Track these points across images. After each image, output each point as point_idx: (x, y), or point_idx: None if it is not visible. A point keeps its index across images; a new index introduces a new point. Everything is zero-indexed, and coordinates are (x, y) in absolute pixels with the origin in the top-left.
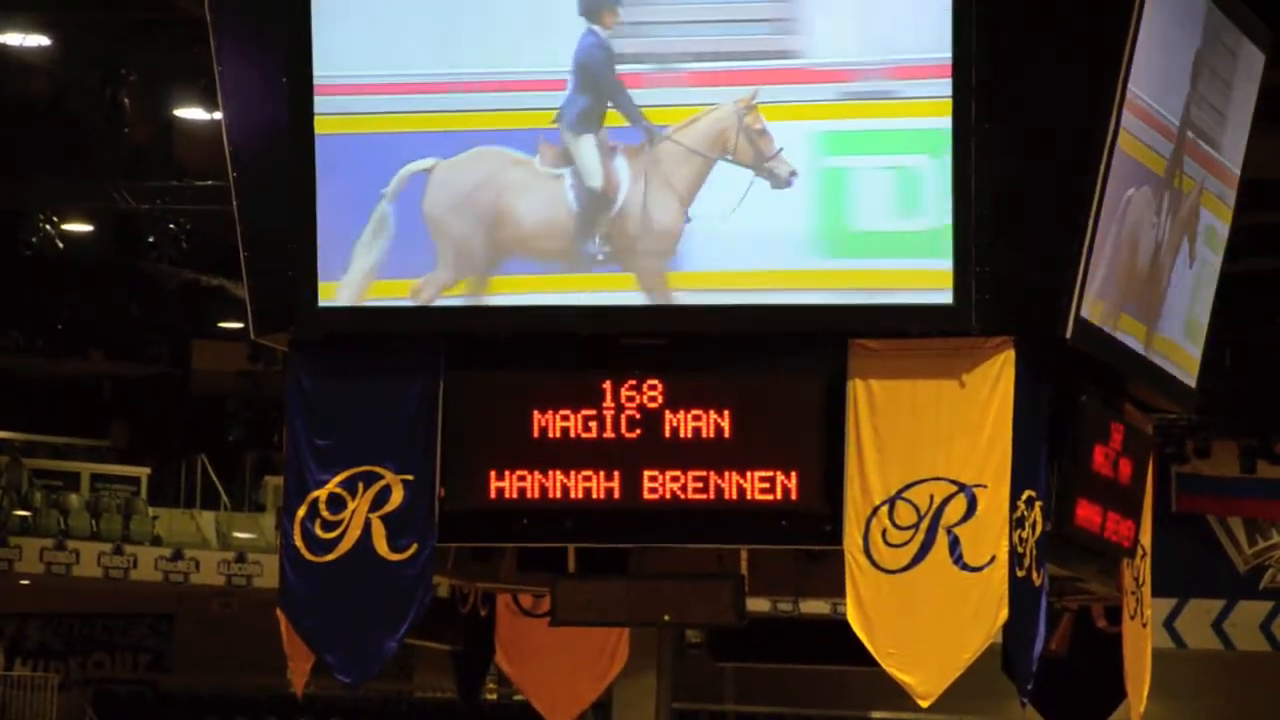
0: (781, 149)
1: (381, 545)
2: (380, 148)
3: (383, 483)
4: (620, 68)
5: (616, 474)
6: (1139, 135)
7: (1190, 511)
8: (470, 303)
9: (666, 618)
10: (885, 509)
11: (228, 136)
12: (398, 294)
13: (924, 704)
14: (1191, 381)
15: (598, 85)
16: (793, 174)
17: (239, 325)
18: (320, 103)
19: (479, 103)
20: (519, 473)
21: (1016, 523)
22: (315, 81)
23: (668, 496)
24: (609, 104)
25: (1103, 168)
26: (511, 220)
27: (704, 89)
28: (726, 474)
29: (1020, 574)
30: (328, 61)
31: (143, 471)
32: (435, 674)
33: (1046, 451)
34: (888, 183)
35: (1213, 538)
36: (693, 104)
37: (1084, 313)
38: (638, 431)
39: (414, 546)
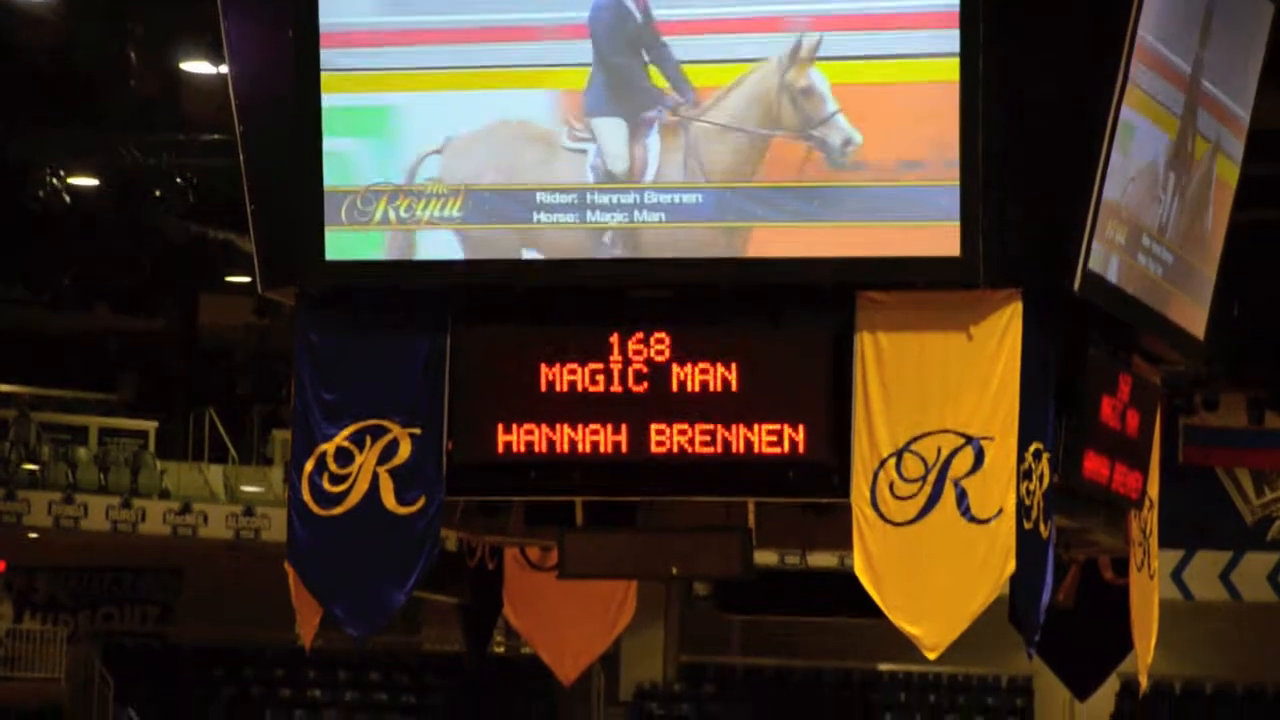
0: (836, 112)
1: (389, 498)
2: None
3: (390, 436)
4: (659, 13)
5: (624, 427)
6: (1150, 89)
7: (1198, 463)
8: (478, 256)
9: (674, 570)
10: (892, 461)
11: (234, 90)
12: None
13: (931, 655)
14: (1199, 333)
15: (617, 52)
16: (848, 143)
17: (246, 279)
18: (327, 57)
19: (498, 56)
20: (526, 426)
21: (1024, 475)
22: (322, 30)
23: (675, 450)
24: (640, 70)
25: (1111, 118)
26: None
27: (753, 36)
28: (734, 427)
29: (1028, 526)
30: (335, 7)
31: (150, 425)
32: (443, 627)
33: (1054, 403)
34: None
35: (1220, 489)
36: (741, 58)
37: (1091, 264)
38: (645, 385)
39: (422, 500)
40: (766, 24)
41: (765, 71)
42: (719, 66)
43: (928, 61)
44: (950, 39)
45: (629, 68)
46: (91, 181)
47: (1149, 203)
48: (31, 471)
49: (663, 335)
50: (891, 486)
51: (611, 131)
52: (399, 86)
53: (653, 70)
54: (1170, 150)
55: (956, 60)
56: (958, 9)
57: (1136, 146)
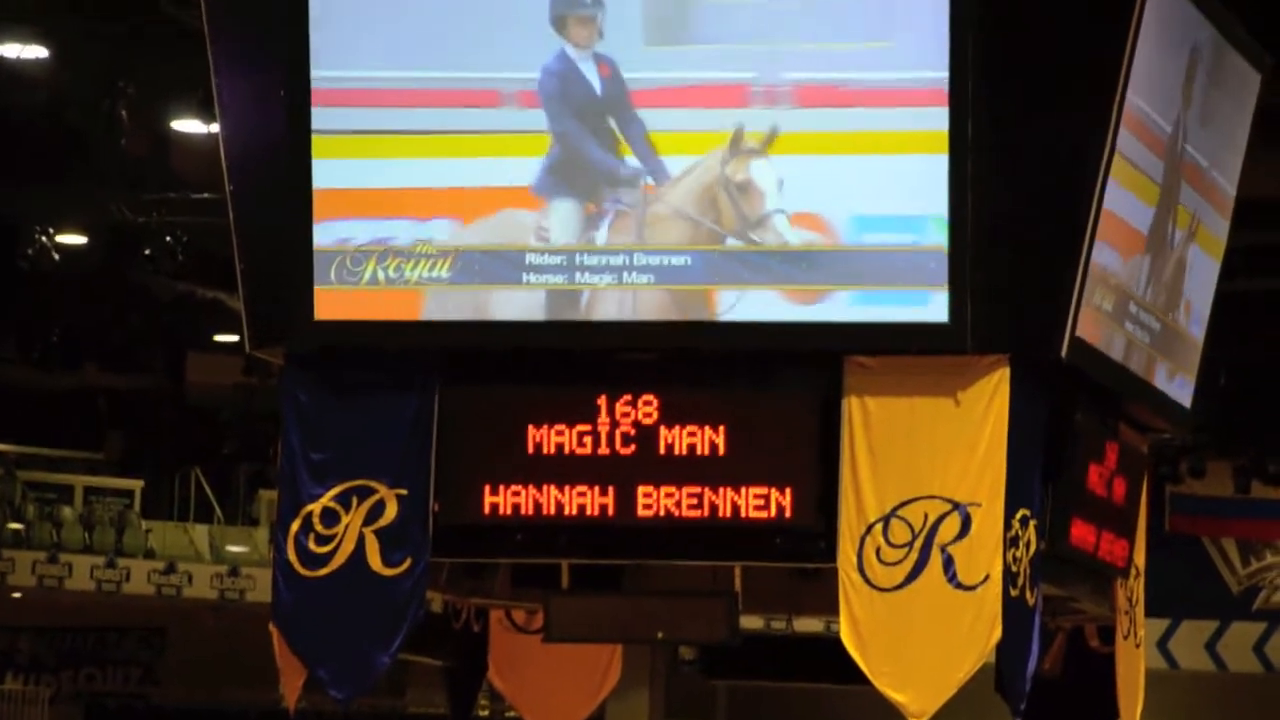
0: (774, 213)
1: (375, 560)
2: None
3: (377, 497)
4: (631, 76)
5: (611, 490)
6: (1133, 156)
7: (1184, 532)
8: (467, 318)
9: (660, 635)
10: (879, 527)
11: (225, 149)
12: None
13: None
14: (1187, 401)
15: (568, 122)
16: (786, 249)
17: (234, 338)
18: (318, 116)
19: (488, 121)
20: (513, 488)
21: (1010, 542)
22: (313, 86)
23: (662, 513)
24: (594, 144)
25: (1099, 187)
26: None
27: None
28: (721, 490)
29: (1014, 593)
30: (327, 62)
31: (136, 484)
32: (428, 689)
33: (1041, 470)
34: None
35: (1206, 558)
36: (715, 129)
37: (1079, 332)
38: (632, 447)
39: (408, 561)
40: (739, 95)
41: (709, 162)
42: (691, 136)
43: (914, 134)
44: (935, 114)
45: (580, 141)
46: (80, 239)
47: (1136, 270)
48: (16, 531)
49: (651, 398)
50: (878, 552)
51: (564, 214)
52: (387, 153)
53: (618, 141)
54: (1153, 220)
55: (944, 133)
56: (946, 80)
57: (1124, 214)
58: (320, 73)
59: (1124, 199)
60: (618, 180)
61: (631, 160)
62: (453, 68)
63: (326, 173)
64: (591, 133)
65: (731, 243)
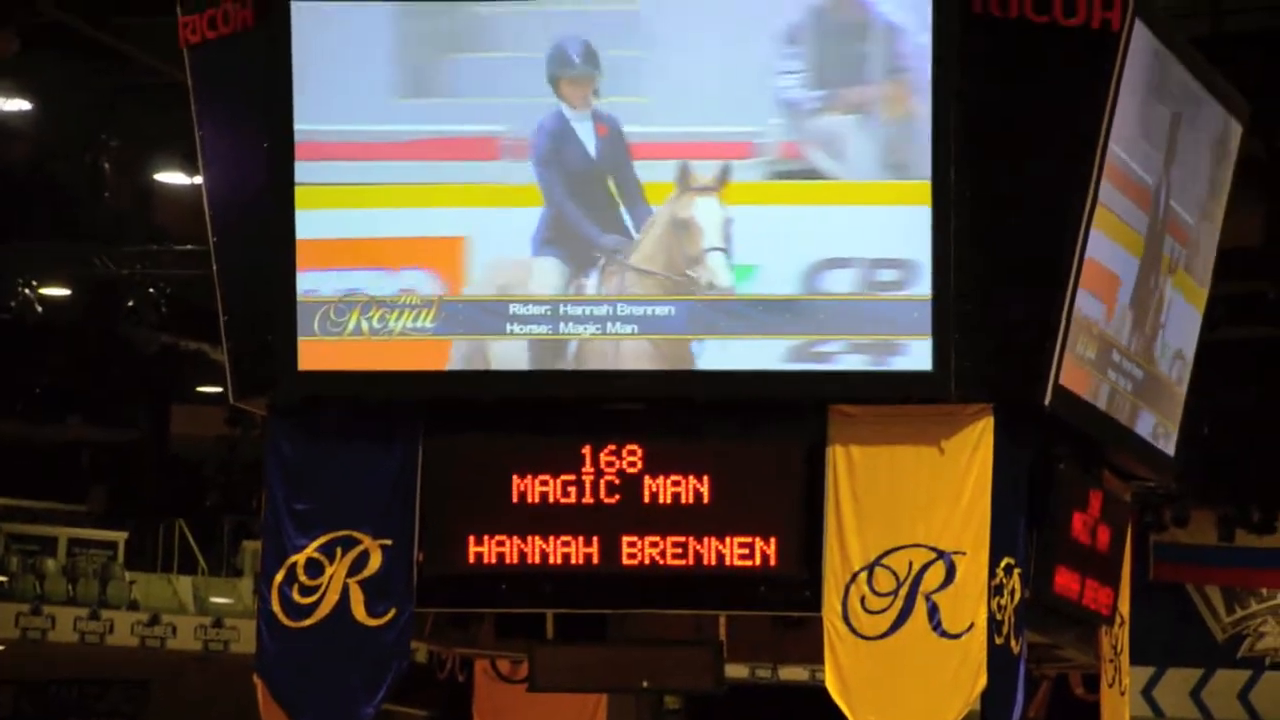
0: (710, 250)
1: (359, 610)
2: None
3: (361, 548)
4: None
5: (595, 539)
6: (1117, 209)
7: (1168, 580)
8: (450, 368)
9: (645, 684)
10: (864, 575)
11: (208, 201)
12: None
13: None
14: (1170, 449)
15: (558, 184)
16: (711, 286)
17: (218, 390)
18: (301, 170)
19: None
20: (498, 538)
21: (995, 590)
22: (296, 139)
23: (646, 562)
24: (582, 210)
25: (1081, 235)
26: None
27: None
28: (705, 540)
29: (999, 641)
30: (310, 115)
31: (120, 536)
32: None
33: (1025, 519)
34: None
35: (1191, 606)
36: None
37: (1062, 380)
38: (617, 497)
39: (392, 612)
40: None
41: (664, 206)
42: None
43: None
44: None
45: (566, 204)
46: (63, 292)
47: (1119, 319)
48: None
49: (635, 447)
50: (863, 600)
51: (548, 273)
52: (373, 202)
53: (609, 204)
54: (1138, 270)
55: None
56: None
57: (1108, 264)
58: (304, 126)
59: (1108, 249)
60: (601, 247)
61: (612, 234)
62: (445, 121)
63: (328, 224)
64: (581, 196)
65: (695, 288)
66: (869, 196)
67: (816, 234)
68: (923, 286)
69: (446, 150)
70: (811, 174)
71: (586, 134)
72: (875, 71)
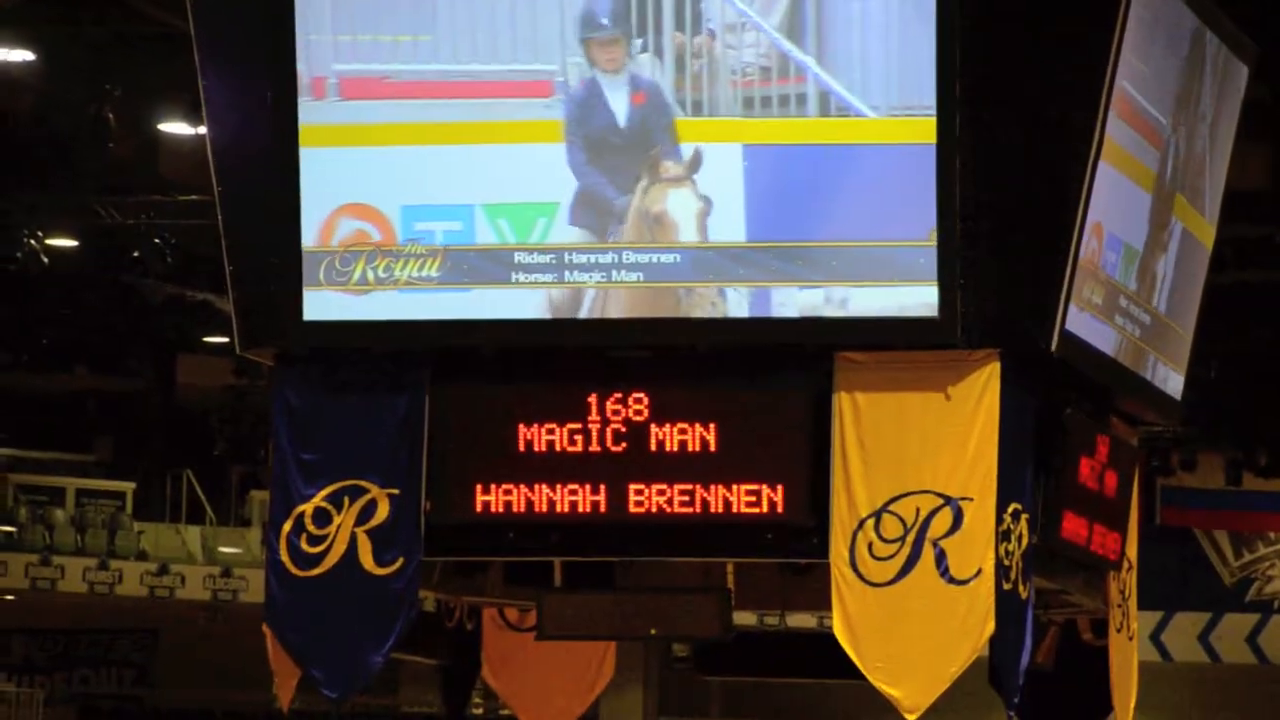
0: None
1: (367, 559)
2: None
3: (368, 497)
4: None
5: (602, 487)
6: (1127, 145)
7: (1176, 525)
8: (456, 316)
9: (653, 632)
10: (871, 522)
11: (212, 151)
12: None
13: (911, 717)
14: (1177, 394)
15: (580, 153)
16: (776, 245)
17: (224, 340)
18: (305, 109)
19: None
20: (505, 486)
21: (1002, 536)
22: (300, 79)
23: (654, 510)
24: (605, 182)
25: (1088, 180)
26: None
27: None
28: (712, 487)
29: (1006, 587)
30: (316, 57)
31: (128, 486)
32: (421, 688)
33: (1032, 464)
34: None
35: (1199, 551)
36: None
37: (1069, 325)
38: (623, 445)
39: (400, 560)
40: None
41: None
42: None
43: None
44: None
45: (589, 176)
46: (70, 242)
47: (1125, 264)
48: (8, 533)
49: (641, 395)
50: (870, 547)
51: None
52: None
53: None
54: (1149, 209)
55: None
56: (934, 69)
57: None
58: (306, 67)
59: (1119, 185)
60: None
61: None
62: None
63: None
64: (603, 168)
65: (716, 238)
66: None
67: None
68: (928, 232)
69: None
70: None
71: (619, 101)
72: None
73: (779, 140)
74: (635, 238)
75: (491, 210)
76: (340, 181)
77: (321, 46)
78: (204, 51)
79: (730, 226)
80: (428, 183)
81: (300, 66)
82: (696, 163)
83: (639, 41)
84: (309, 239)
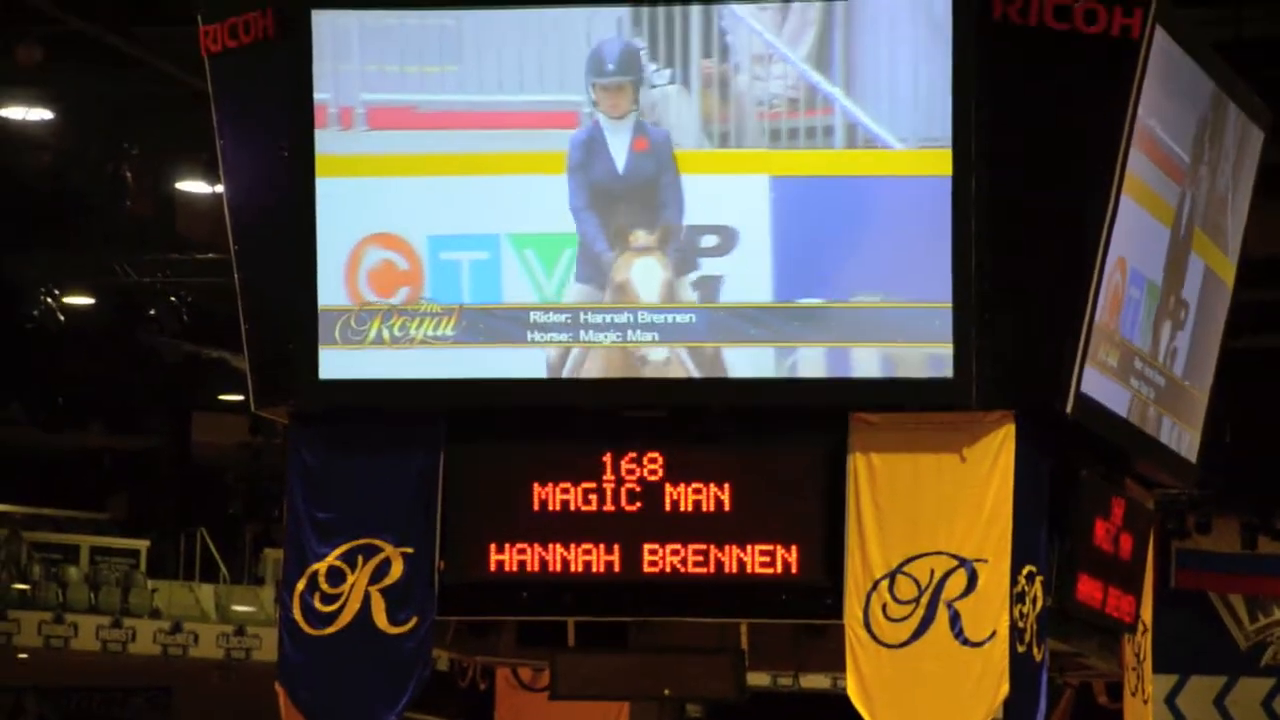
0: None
1: (381, 618)
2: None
3: (382, 555)
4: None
5: (616, 547)
6: (1148, 179)
7: (1191, 588)
8: (472, 375)
9: (667, 692)
10: (886, 583)
11: (229, 209)
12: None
13: None
14: (1193, 457)
15: (582, 197)
16: (790, 306)
17: (239, 398)
18: (333, 139)
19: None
20: (519, 545)
21: (1017, 598)
22: (327, 108)
23: (668, 570)
24: (598, 229)
25: (1103, 242)
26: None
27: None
28: (727, 547)
29: (1021, 649)
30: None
31: (142, 544)
32: None
33: (1047, 526)
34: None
35: (1214, 614)
36: None
37: (1084, 388)
38: (638, 504)
39: (414, 619)
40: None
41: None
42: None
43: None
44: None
45: (587, 222)
46: (86, 300)
47: (1144, 328)
48: (22, 591)
49: (656, 455)
50: (885, 608)
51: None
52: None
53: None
54: (1169, 244)
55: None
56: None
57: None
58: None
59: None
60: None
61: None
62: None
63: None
64: (598, 213)
65: (727, 300)
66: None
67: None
68: (944, 293)
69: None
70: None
71: (619, 146)
72: None
73: (806, 172)
74: (612, 300)
75: (518, 240)
76: (367, 211)
77: (349, 76)
78: (221, 111)
79: (753, 274)
80: (454, 212)
81: (327, 95)
82: (668, 235)
83: (667, 73)
84: (335, 269)
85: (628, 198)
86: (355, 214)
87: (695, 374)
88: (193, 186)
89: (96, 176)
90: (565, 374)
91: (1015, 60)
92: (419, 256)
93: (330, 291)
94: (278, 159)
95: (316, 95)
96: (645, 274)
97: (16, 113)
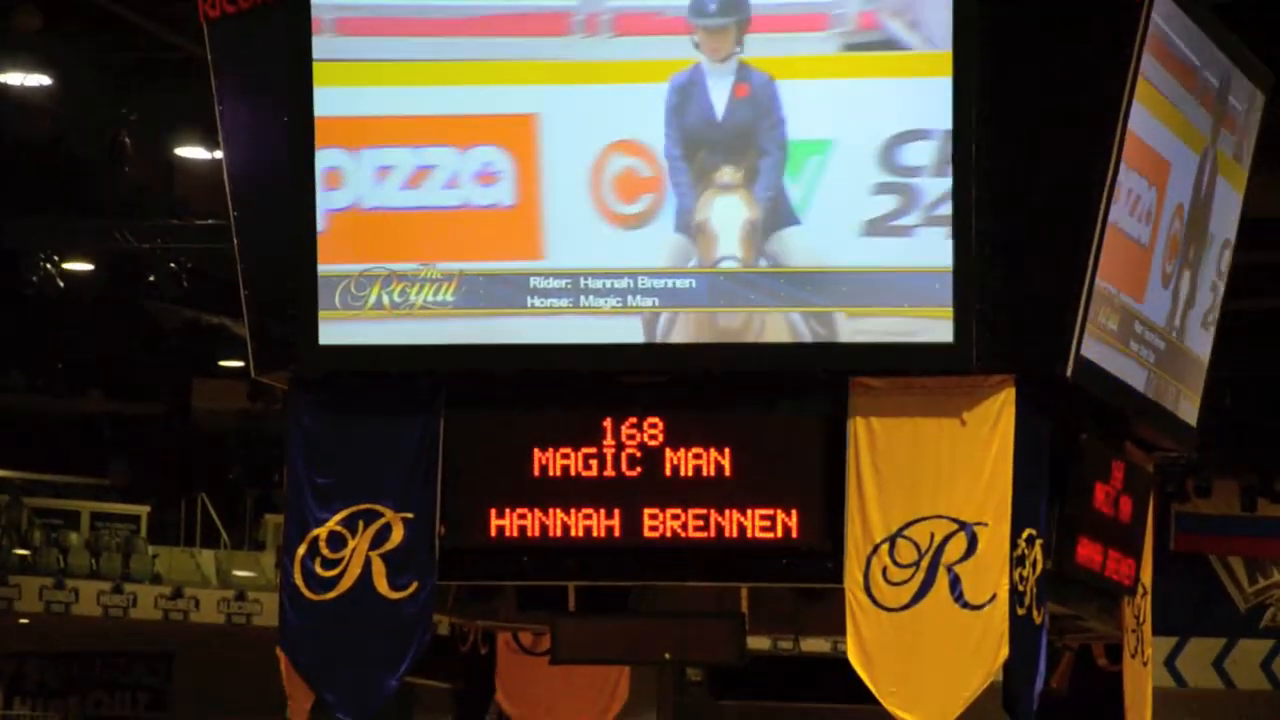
0: (726, 259)
1: (381, 583)
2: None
3: (383, 521)
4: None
5: (617, 512)
6: (1175, 100)
7: (1190, 550)
8: (471, 341)
9: (667, 656)
10: (886, 547)
11: (228, 175)
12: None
13: None
14: (1192, 420)
15: (675, 146)
16: (790, 270)
17: (240, 364)
18: (363, 46)
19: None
20: (519, 511)
21: (1017, 561)
22: (361, 15)
23: (668, 535)
24: (685, 178)
25: (1104, 205)
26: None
27: None
28: (727, 512)
29: (1021, 612)
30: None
31: (142, 510)
32: (435, 712)
33: (1047, 490)
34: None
35: (1213, 576)
36: None
37: (1084, 351)
38: (638, 469)
39: (414, 585)
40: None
41: None
42: None
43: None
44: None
45: (676, 171)
46: (86, 267)
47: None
48: (22, 557)
49: (656, 420)
50: (885, 572)
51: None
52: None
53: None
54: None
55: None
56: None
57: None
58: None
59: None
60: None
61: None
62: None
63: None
64: (689, 162)
65: (728, 264)
66: (946, 68)
67: (892, 106)
68: (945, 257)
69: (515, 26)
70: (888, 45)
71: (720, 91)
72: None
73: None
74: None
75: None
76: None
77: None
78: (221, 77)
79: (827, 122)
80: None
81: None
82: (753, 174)
83: None
84: (579, 177)
85: (722, 149)
86: (598, 123)
87: (695, 339)
88: (192, 152)
89: (96, 142)
90: (659, 339)
91: (1016, 27)
92: (660, 165)
93: (574, 200)
94: (277, 126)
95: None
96: (726, 213)
97: (15, 79)
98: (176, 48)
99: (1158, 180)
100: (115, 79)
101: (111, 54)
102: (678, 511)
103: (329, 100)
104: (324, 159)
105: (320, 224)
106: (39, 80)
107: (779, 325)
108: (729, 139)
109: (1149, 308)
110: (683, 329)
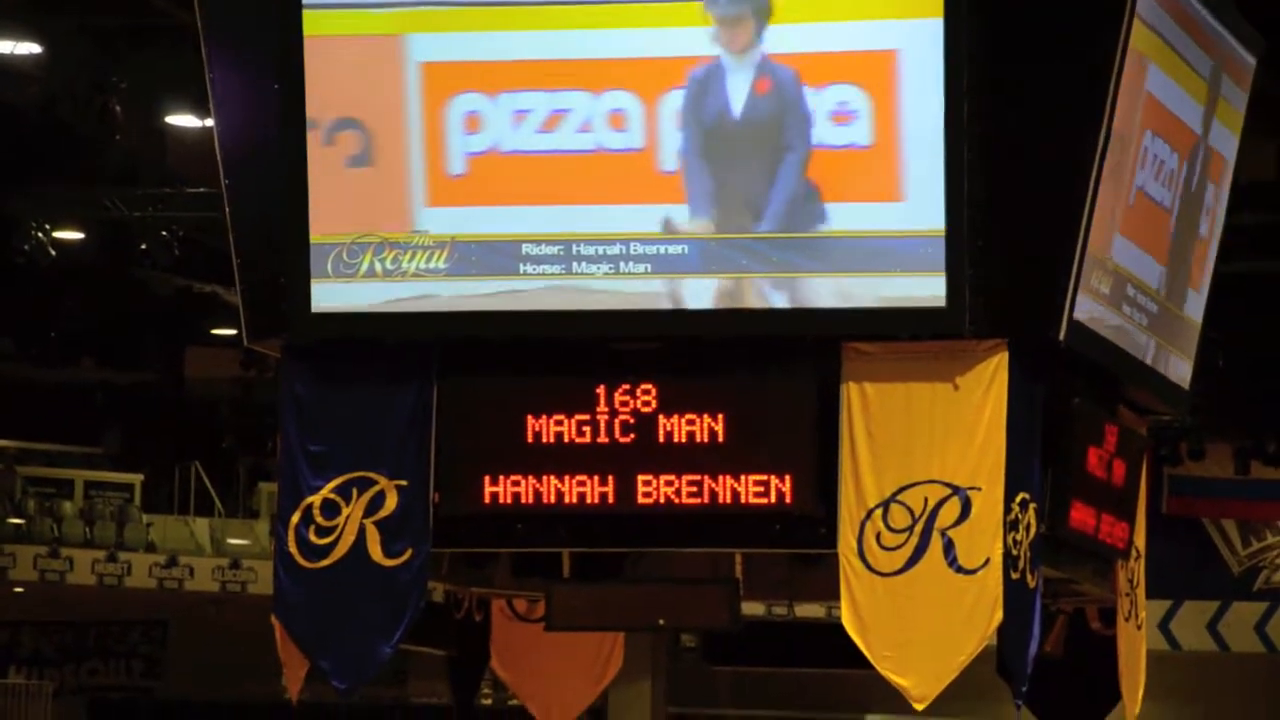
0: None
1: (376, 551)
2: None
3: (377, 488)
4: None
5: (610, 479)
6: (1180, 50)
7: (1184, 514)
8: (464, 308)
9: (661, 622)
10: (879, 512)
11: (219, 143)
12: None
13: (919, 706)
14: (1185, 383)
15: (692, 140)
16: (781, 236)
17: (232, 332)
18: None
19: None
20: (513, 478)
21: (1010, 525)
22: None
23: (662, 501)
24: (706, 173)
25: (1095, 169)
26: (512, 246)
27: None
28: (720, 478)
29: (1015, 576)
30: None
31: (136, 478)
32: (430, 679)
33: (1040, 453)
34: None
35: (1207, 540)
36: None
37: (1077, 315)
38: (631, 436)
39: (408, 552)
40: None
41: None
42: None
43: None
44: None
45: (694, 166)
46: (77, 235)
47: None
48: (17, 525)
49: (649, 386)
50: (878, 537)
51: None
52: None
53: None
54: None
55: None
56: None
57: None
58: None
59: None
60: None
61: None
62: None
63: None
64: (706, 158)
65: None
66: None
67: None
68: (937, 222)
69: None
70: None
71: (738, 86)
72: None
73: None
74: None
75: None
76: None
77: None
78: (211, 44)
79: None
80: None
81: None
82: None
83: None
84: None
85: (742, 144)
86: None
87: (688, 305)
88: (183, 120)
89: (85, 110)
90: (651, 305)
91: None
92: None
93: None
94: (268, 92)
95: None
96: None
97: (4, 46)
98: (167, 14)
99: (1180, 146)
100: (105, 46)
101: (100, 21)
102: (671, 478)
103: (467, 45)
104: (463, 103)
105: (459, 167)
106: (29, 48)
107: (772, 290)
108: (748, 137)
109: (1144, 270)
110: (675, 295)
